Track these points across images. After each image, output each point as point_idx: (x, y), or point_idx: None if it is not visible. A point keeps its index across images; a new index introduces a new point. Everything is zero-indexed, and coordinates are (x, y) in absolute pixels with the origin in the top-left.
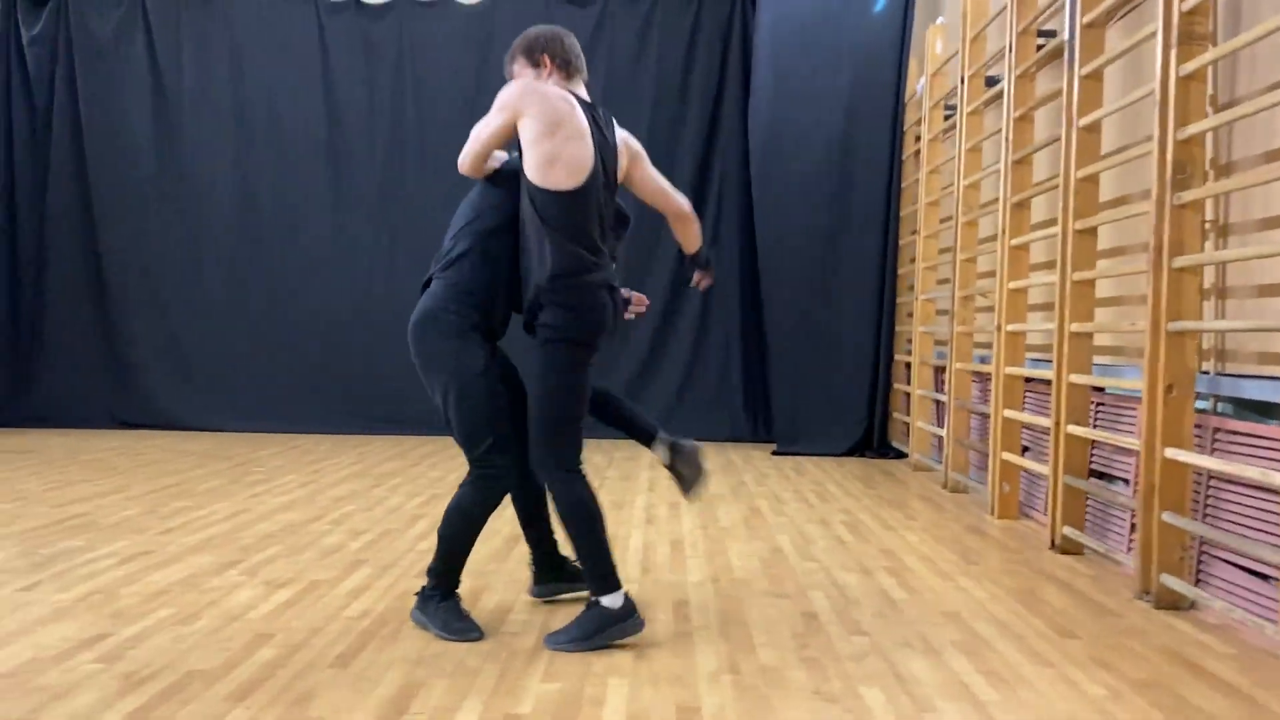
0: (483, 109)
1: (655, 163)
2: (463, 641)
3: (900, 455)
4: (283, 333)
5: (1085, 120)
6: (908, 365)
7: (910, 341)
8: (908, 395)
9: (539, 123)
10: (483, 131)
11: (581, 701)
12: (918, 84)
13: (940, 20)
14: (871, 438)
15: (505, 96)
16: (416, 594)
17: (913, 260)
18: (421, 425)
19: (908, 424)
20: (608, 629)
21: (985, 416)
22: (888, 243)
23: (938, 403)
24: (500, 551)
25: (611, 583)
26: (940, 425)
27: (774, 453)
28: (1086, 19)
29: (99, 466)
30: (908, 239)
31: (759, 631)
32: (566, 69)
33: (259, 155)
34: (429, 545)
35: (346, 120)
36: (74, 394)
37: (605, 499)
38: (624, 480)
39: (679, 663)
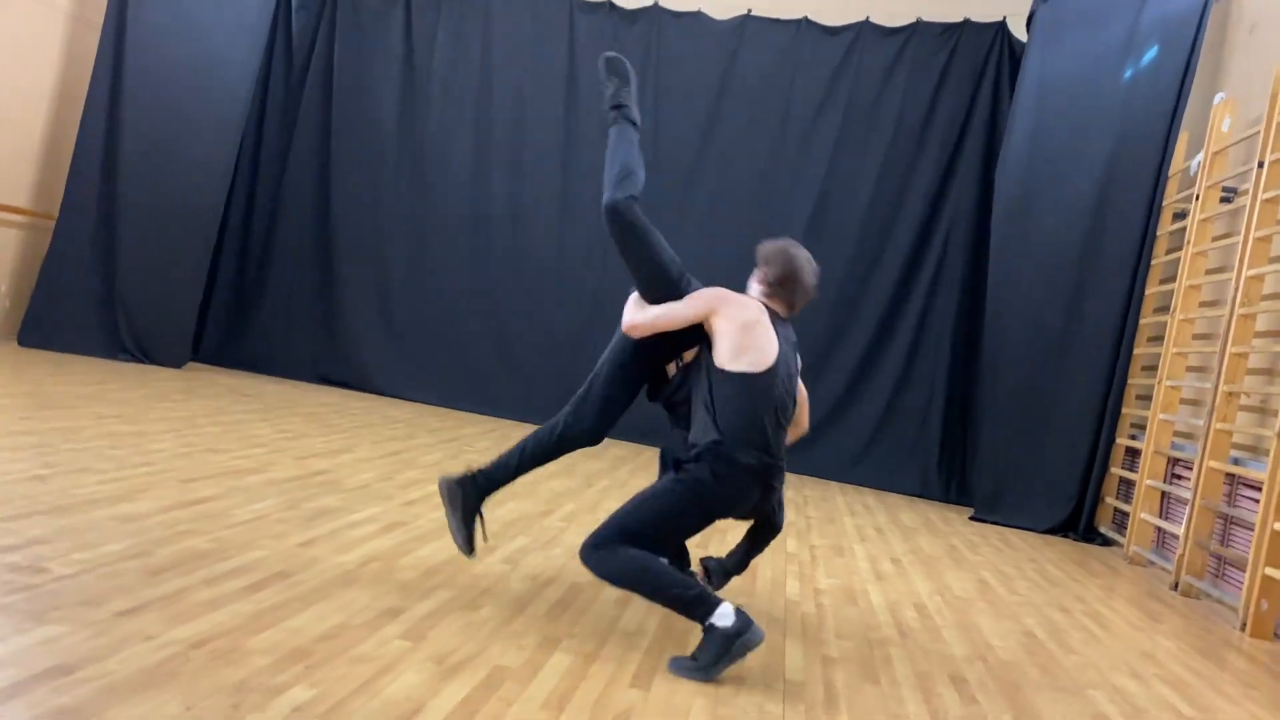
0: (722, 123)
1: (882, 202)
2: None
3: (1106, 542)
4: (491, 320)
5: None
6: (1128, 450)
7: (1138, 426)
8: (1126, 481)
9: (733, 323)
10: (673, 314)
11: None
12: (1192, 160)
13: (1223, 94)
14: (1078, 520)
15: (707, 297)
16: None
17: (1150, 340)
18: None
19: (1121, 511)
20: (731, 649)
21: (1226, 519)
22: (1127, 321)
23: (1164, 496)
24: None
25: (710, 603)
26: (1165, 518)
27: (971, 518)
28: None
29: (319, 422)
30: (1150, 319)
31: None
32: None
33: (496, 144)
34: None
35: (585, 122)
36: (286, 345)
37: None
38: (829, 523)
39: (937, 645)
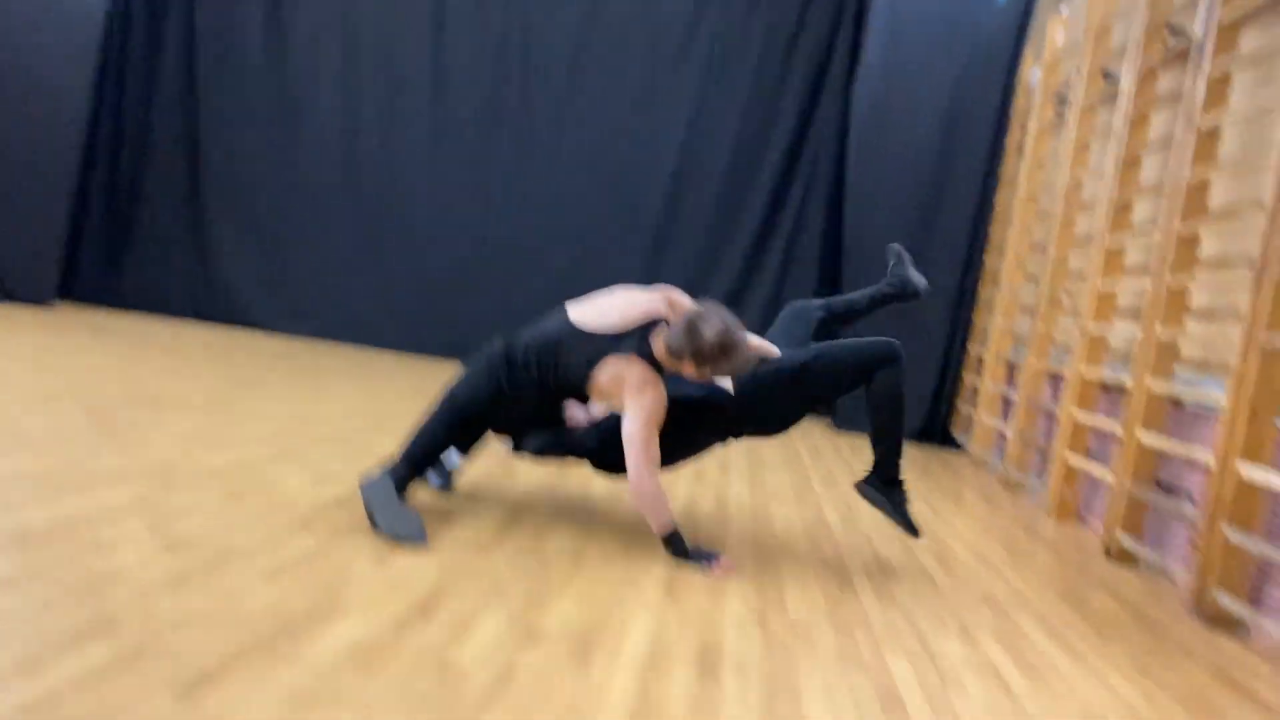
0: (592, 40)
1: (754, 125)
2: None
3: (959, 448)
4: (373, 252)
5: (1206, 123)
6: (980, 359)
7: (987, 334)
8: (975, 389)
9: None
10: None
11: (607, 627)
12: (1031, 74)
13: (1064, 11)
14: (934, 426)
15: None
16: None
17: (998, 251)
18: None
19: (972, 418)
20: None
21: (1054, 419)
22: (978, 231)
23: (1006, 401)
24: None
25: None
26: (1007, 422)
27: (831, 426)
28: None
29: (177, 354)
30: (999, 231)
31: (793, 589)
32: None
33: (364, 79)
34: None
35: (453, 48)
36: (161, 283)
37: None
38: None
39: (710, 605)
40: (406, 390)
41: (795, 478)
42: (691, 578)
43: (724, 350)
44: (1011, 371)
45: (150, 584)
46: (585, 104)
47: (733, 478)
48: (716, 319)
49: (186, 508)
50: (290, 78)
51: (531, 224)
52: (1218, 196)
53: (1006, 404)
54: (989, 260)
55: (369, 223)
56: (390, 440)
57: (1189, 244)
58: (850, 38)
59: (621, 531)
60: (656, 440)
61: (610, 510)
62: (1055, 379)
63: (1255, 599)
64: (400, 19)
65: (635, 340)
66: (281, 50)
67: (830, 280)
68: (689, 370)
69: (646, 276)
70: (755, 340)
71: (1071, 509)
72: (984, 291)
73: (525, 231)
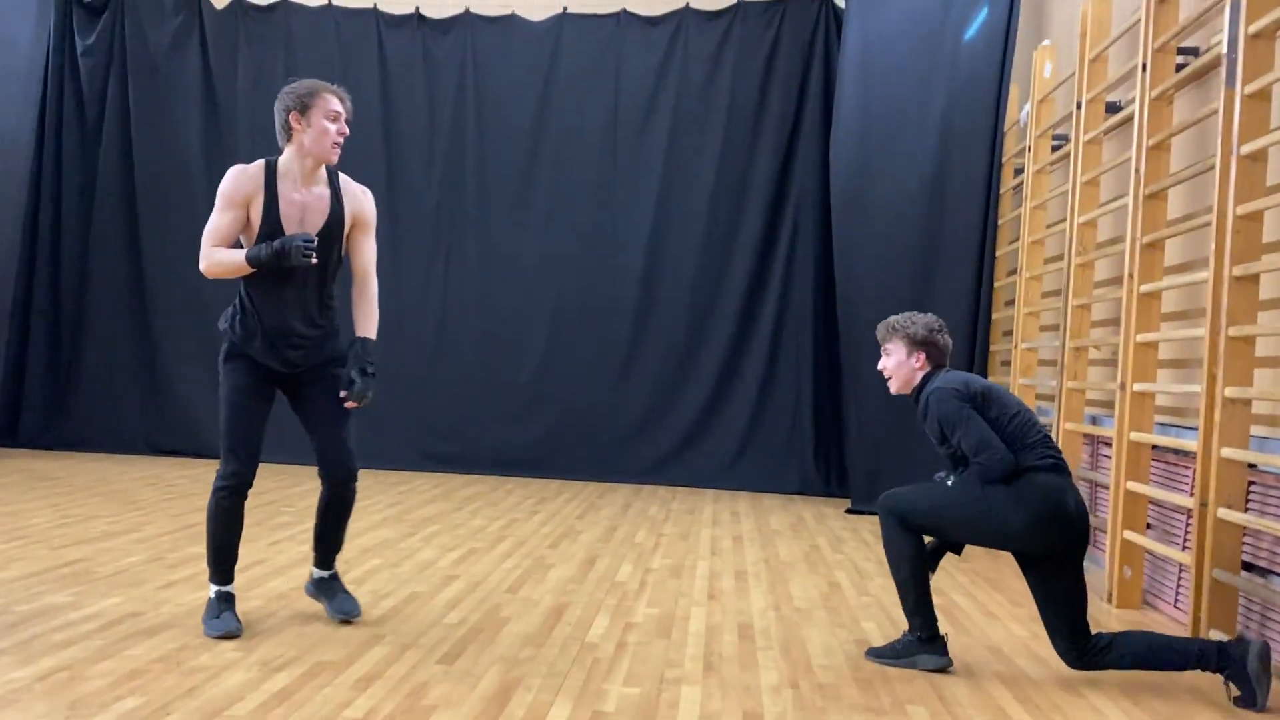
0: (550, 126)
1: (727, 190)
2: None
3: None
4: None
5: (1249, 147)
6: None
7: None
8: None
9: None
10: None
11: (659, 704)
12: (1021, 111)
13: (1047, 42)
14: None
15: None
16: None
17: (1010, 304)
18: (462, 464)
19: None
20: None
21: (1092, 485)
22: (981, 285)
23: None
24: (576, 574)
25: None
26: None
27: (848, 510)
28: (1253, 29)
29: (121, 499)
30: (1004, 281)
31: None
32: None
33: None
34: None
35: (405, 137)
36: (111, 419)
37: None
38: (683, 539)
39: (746, 676)
40: (382, 518)
41: (821, 581)
42: (725, 654)
43: None
44: None
45: None
46: (548, 181)
47: (753, 594)
48: None
49: None
50: None
51: (500, 327)
52: (1272, 231)
53: None
54: (995, 314)
55: None
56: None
57: (1247, 285)
58: (821, 95)
59: None
60: None
61: None
62: (1092, 441)
63: None
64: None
65: None
66: (221, 161)
67: (827, 345)
68: None
69: (629, 360)
70: None
71: (1136, 594)
72: (996, 346)
73: (492, 337)
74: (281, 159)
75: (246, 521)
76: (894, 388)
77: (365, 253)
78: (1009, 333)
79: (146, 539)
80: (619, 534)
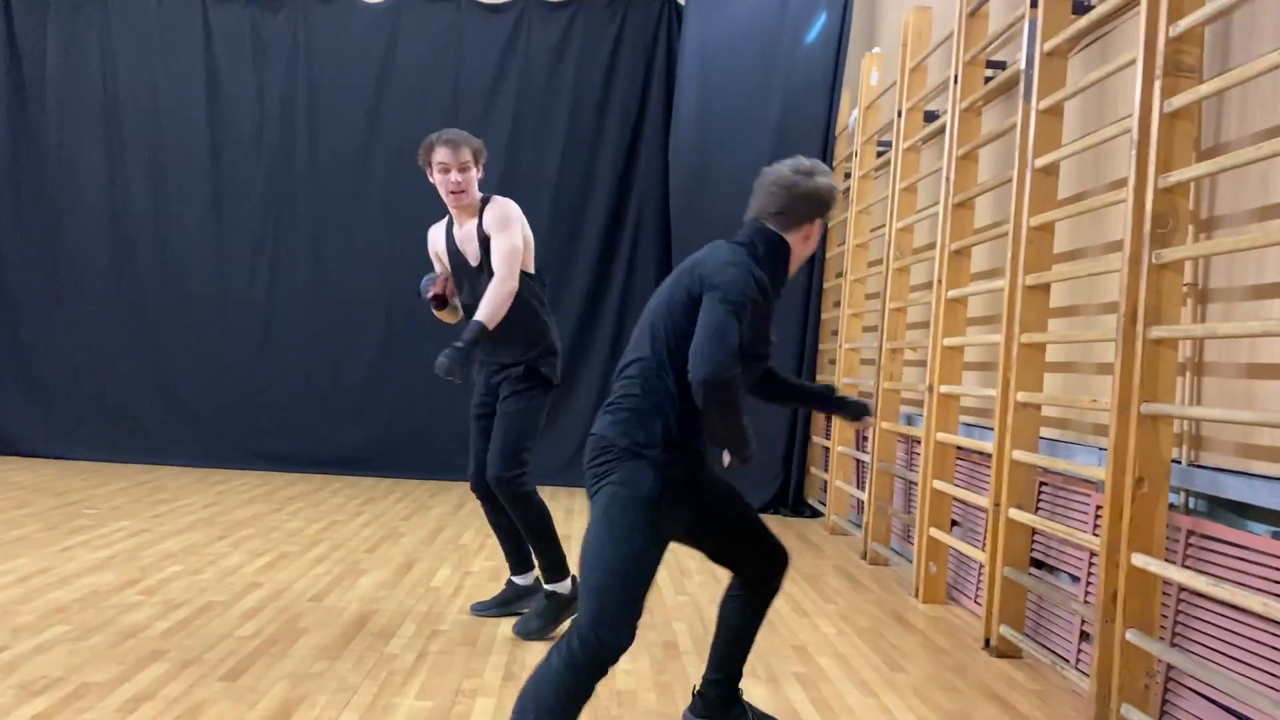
0: (388, 113)
1: (569, 186)
2: None
3: (816, 514)
4: (148, 354)
5: (1042, 161)
6: (828, 418)
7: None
8: (827, 450)
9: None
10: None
11: (449, 718)
12: (850, 116)
13: (876, 49)
14: (787, 494)
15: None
16: None
17: (837, 305)
18: (293, 462)
19: (826, 481)
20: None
21: (911, 483)
22: (811, 285)
23: (859, 462)
24: (389, 580)
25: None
26: (861, 487)
27: None
28: (1048, 46)
29: None
30: (833, 282)
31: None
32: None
33: (132, 159)
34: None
35: (230, 123)
36: None
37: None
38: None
39: None
40: (194, 520)
41: None
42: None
43: None
44: (860, 432)
45: None
46: (384, 169)
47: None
48: None
49: None
50: (49, 180)
51: (331, 320)
52: (1063, 242)
53: (860, 467)
54: (825, 314)
55: (149, 333)
56: (146, 601)
57: (1039, 294)
58: (663, 94)
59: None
60: None
61: None
62: (909, 440)
63: (1164, 710)
64: (169, 85)
65: None
66: (28, 140)
67: None
68: None
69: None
70: None
71: (940, 589)
72: (824, 345)
73: (323, 331)
74: None
75: (38, 526)
76: None
77: (493, 250)
78: (836, 332)
79: None
80: (444, 535)
